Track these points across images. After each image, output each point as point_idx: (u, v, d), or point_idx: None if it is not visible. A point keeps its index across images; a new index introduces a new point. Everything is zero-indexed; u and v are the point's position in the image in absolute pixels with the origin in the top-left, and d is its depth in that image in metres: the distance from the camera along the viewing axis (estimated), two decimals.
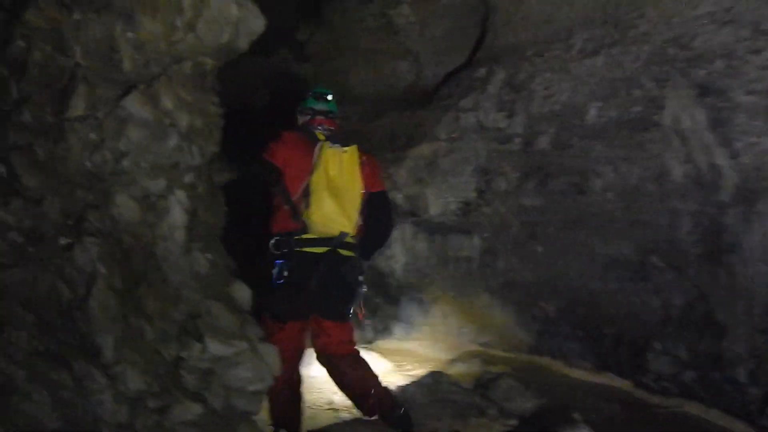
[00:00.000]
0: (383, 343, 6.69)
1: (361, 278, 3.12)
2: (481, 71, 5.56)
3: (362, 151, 3.19)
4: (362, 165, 3.11)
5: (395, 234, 6.62)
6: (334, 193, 2.94)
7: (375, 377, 3.19)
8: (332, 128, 3.23)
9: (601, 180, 4.82)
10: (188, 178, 2.76)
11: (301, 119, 3.37)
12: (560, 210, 5.23)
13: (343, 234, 2.97)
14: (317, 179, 2.94)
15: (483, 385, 4.49)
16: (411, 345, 6.53)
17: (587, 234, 5.07)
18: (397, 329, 6.64)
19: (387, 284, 6.83)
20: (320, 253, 2.96)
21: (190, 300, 2.55)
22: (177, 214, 2.63)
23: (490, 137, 5.38)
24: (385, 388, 3.23)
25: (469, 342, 6.09)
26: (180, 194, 2.67)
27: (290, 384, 3.09)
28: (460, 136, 5.49)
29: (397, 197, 6.66)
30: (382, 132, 6.41)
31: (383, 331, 6.79)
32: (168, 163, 2.66)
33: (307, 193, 2.95)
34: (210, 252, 2.78)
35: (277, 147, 3.04)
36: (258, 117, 6.32)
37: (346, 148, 3.04)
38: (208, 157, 2.89)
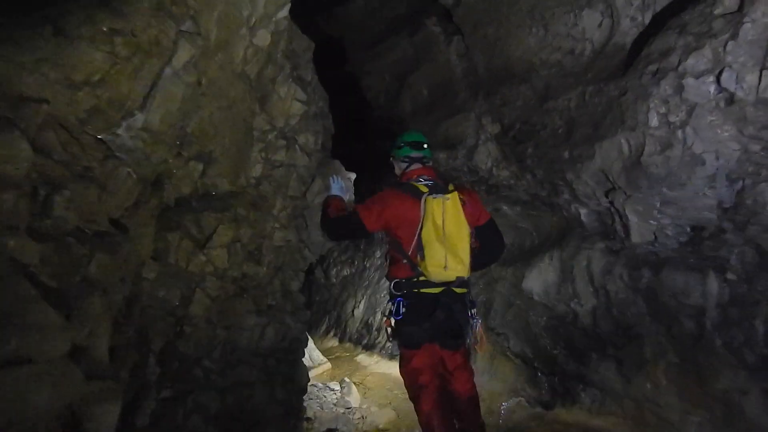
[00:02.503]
0: (564, 413, 4.80)
1: (473, 311, 3.20)
2: (728, 1, 3.16)
3: (460, 188, 3.16)
4: (464, 207, 3.07)
5: (577, 266, 4.57)
6: (445, 242, 3.00)
7: (478, 404, 3.25)
8: (431, 177, 3.23)
9: None
10: None
11: (399, 168, 3.40)
12: None
13: (459, 278, 3.04)
14: (427, 232, 3.02)
15: None
16: (604, 422, 4.55)
17: None
18: (585, 396, 4.68)
19: (568, 333, 4.82)
20: (437, 293, 3.06)
21: None
22: None
23: (746, 119, 3.03)
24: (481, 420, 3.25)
25: None
26: None
27: (434, 391, 3.10)
28: (685, 119, 3.24)
29: (580, 212, 4.55)
30: (555, 121, 4.37)
31: (564, 395, 4.85)
32: None
33: (420, 247, 3.04)
34: None
35: (379, 210, 3.10)
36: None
37: (448, 196, 3.06)
38: None
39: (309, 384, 6.32)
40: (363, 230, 3.12)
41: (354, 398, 5.93)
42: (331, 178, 3.30)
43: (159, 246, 2.83)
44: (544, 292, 4.97)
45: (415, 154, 3.34)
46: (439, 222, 3.00)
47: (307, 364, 7.08)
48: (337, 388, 6.15)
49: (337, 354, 8.17)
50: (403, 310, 3.09)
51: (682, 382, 4.04)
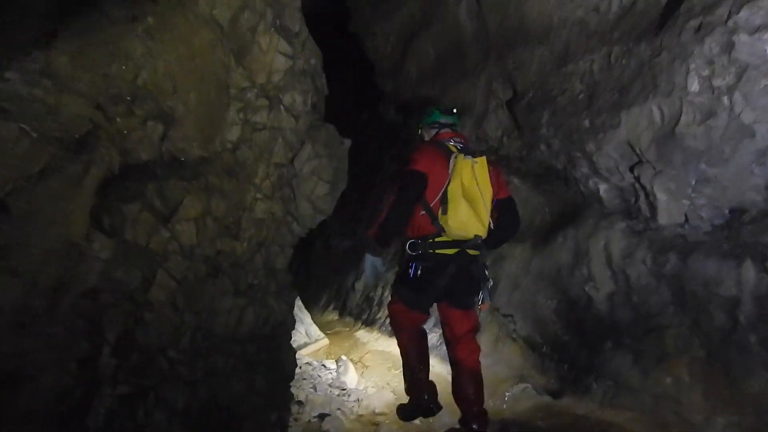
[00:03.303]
0: (573, 404, 4.44)
1: (486, 272, 3.28)
2: None
3: (489, 160, 3.18)
4: (491, 174, 3.13)
5: (593, 247, 4.12)
6: (469, 201, 3.07)
7: (480, 384, 3.23)
8: (462, 141, 3.28)
9: None
10: None
11: (428, 134, 3.43)
12: None
13: (477, 237, 3.11)
14: (454, 188, 3.05)
15: None
16: (617, 417, 4.17)
17: None
18: (597, 388, 4.28)
19: (581, 318, 4.40)
20: (451, 254, 3.12)
21: None
22: None
23: None
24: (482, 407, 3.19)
25: None
26: None
27: (413, 338, 3.36)
28: (733, 82, 2.72)
29: (599, 187, 4.07)
30: (575, 86, 3.85)
31: (574, 384, 4.46)
32: None
33: (444, 201, 3.07)
34: None
35: (421, 157, 3.12)
36: None
37: (477, 159, 3.11)
38: None
39: (304, 363, 6.00)
40: (421, 179, 3.04)
41: (351, 378, 5.58)
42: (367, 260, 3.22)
43: (114, 220, 2.42)
44: (556, 273, 4.53)
45: (444, 119, 3.39)
46: (467, 181, 3.06)
47: (303, 341, 6.75)
48: (334, 366, 5.80)
49: (337, 329, 7.82)
50: (419, 273, 3.13)
51: (708, 380, 3.62)
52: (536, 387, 4.84)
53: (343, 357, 6.04)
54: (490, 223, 3.11)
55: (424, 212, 3.10)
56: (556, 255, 4.54)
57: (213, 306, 2.96)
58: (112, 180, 2.37)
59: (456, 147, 3.16)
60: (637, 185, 3.53)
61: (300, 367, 5.65)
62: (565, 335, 4.57)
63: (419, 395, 3.35)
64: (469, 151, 3.16)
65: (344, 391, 5.34)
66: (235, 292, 3.08)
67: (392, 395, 5.35)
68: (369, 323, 7.57)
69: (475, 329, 3.34)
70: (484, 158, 3.11)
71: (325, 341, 6.99)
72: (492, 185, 3.10)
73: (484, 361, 5.43)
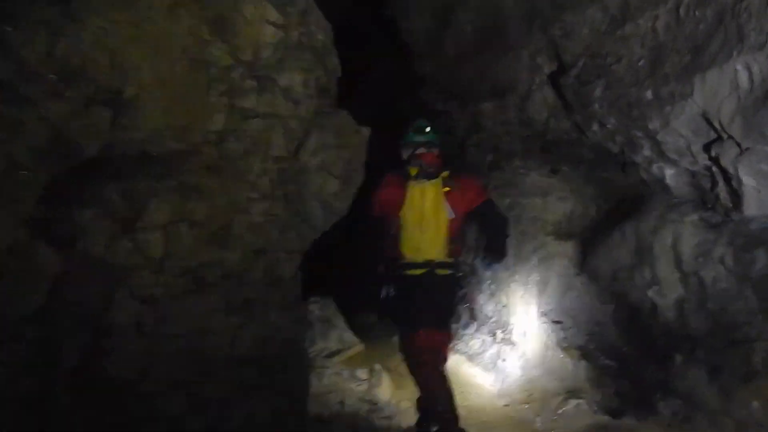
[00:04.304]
0: (636, 425, 3.83)
1: (461, 293, 3.73)
2: None
3: (455, 175, 3.39)
4: (449, 193, 3.27)
5: (658, 244, 3.45)
6: (419, 225, 3.24)
7: (450, 393, 3.24)
8: (427, 162, 3.36)
9: None
10: None
11: (404, 153, 3.52)
12: None
13: (428, 261, 3.24)
14: (404, 214, 3.27)
15: None
16: None
17: None
18: (665, 407, 3.65)
19: (644, 327, 3.73)
20: (419, 275, 3.26)
21: None
22: None
23: None
24: (454, 413, 3.19)
25: None
26: None
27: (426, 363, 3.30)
28: None
29: (665, 173, 3.40)
30: (635, 50, 3.19)
31: (637, 402, 3.82)
32: None
33: (400, 228, 3.29)
34: None
35: (377, 195, 3.42)
36: None
37: (433, 181, 3.27)
38: None
39: (334, 373, 5.57)
40: (377, 220, 3.44)
41: (384, 390, 5.06)
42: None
43: (64, 229, 2.02)
44: (613, 274, 3.87)
45: (418, 138, 3.50)
46: (418, 207, 3.24)
47: (336, 347, 6.32)
48: (366, 377, 5.33)
49: (374, 332, 7.36)
50: (392, 293, 3.40)
51: None
52: (592, 403, 4.20)
53: (377, 366, 5.54)
54: (449, 243, 3.28)
55: (390, 241, 3.37)
56: (614, 253, 3.89)
57: (199, 326, 2.53)
58: (61, 180, 1.98)
59: (417, 169, 3.31)
60: (714, 168, 2.84)
61: (328, 378, 5.23)
62: (625, 346, 3.91)
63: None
64: (427, 173, 3.29)
65: (375, 406, 4.84)
66: (227, 308, 2.60)
67: None
68: None
69: (445, 348, 3.43)
70: (438, 180, 3.28)
71: (361, 347, 6.52)
72: (451, 204, 3.24)
73: (531, 372, 4.84)
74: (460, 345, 6.20)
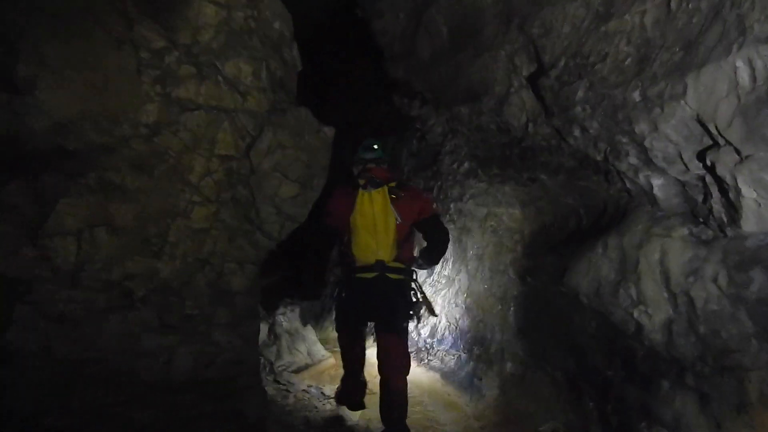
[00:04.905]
0: None
1: (414, 297, 3.65)
2: None
3: (402, 186, 3.64)
4: (396, 201, 3.49)
5: (644, 261, 3.17)
6: (369, 229, 3.45)
7: (404, 398, 3.55)
8: (375, 174, 3.58)
9: None
10: None
11: (355, 170, 3.76)
12: None
13: (379, 262, 3.44)
14: (353, 220, 3.47)
15: None
16: None
17: None
18: None
19: (628, 349, 3.43)
20: (370, 278, 3.45)
21: None
22: None
23: None
24: (402, 412, 3.52)
25: None
26: None
27: (352, 363, 4.07)
28: None
29: (652, 183, 3.11)
30: (621, 48, 2.89)
31: (618, 428, 3.51)
32: None
33: (350, 233, 3.50)
34: None
35: (330, 205, 3.62)
36: None
37: (378, 189, 3.48)
38: None
39: (301, 390, 5.18)
40: (330, 228, 3.68)
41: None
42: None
43: None
44: (595, 292, 3.57)
45: (367, 155, 3.73)
46: (366, 211, 3.44)
47: (305, 362, 5.92)
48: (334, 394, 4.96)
49: None
50: (343, 295, 3.67)
51: None
52: (571, 427, 3.90)
53: None
54: (397, 248, 3.49)
55: (343, 247, 3.59)
56: (595, 268, 3.59)
57: (128, 347, 2.17)
58: None
59: (365, 180, 3.52)
60: (708, 178, 2.55)
61: (295, 396, 4.84)
62: (608, 369, 3.60)
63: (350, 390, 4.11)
64: (375, 183, 3.49)
65: (343, 426, 4.48)
66: (161, 326, 2.27)
67: None
68: None
69: (403, 351, 3.60)
70: (385, 188, 3.49)
71: (331, 361, 6.12)
72: (399, 211, 3.45)
73: (507, 394, 4.50)
74: (434, 361, 5.89)
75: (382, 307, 3.44)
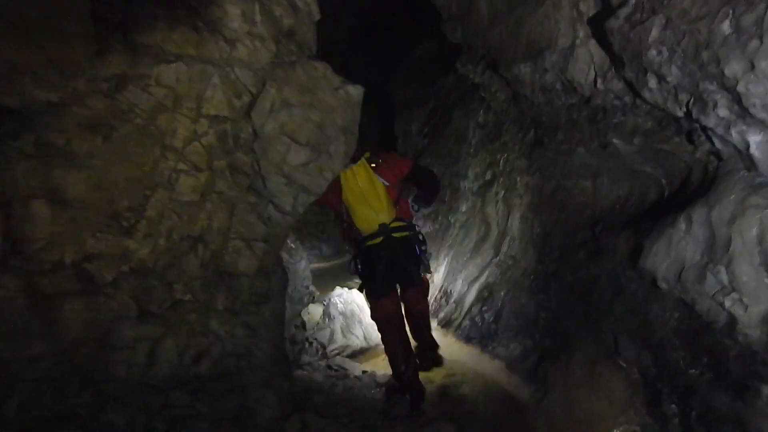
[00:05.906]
0: None
1: (422, 247, 4.02)
2: None
3: (376, 155, 3.94)
4: (377, 168, 3.82)
5: (738, 238, 2.55)
6: (361, 200, 3.74)
7: (427, 317, 4.69)
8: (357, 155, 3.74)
9: None
10: None
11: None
12: None
13: (382, 226, 3.76)
14: (346, 197, 3.79)
15: None
16: None
17: None
18: None
19: (717, 345, 2.81)
20: (379, 243, 3.77)
21: None
22: None
23: None
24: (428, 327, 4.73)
25: None
26: None
27: (396, 326, 3.95)
28: None
29: (748, 140, 2.46)
30: None
31: None
32: None
33: (347, 208, 3.80)
34: None
35: (325, 192, 3.37)
36: None
37: (358, 163, 3.76)
38: None
39: (353, 376, 4.94)
40: (328, 206, 4.05)
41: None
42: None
43: None
44: (677, 276, 2.96)
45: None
46: (353, 187, 3.72)
47: (360, 346, 5.66)
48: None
49: None
50: (359, 266, 3.91)
51: None
52: None
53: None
54: (393, 204, 3.86)
55: (345, 223, 3.92)
56: (677, 248, 2.97)
57: (93, 340, 1.94)
58: None
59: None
60: None
61: (344, 385, 4.58)
62: (692, 367, 2.99)
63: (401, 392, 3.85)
64: (352, 159, 3.55)
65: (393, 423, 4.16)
66: (140, 315, 2.04)
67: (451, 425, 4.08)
68: (445, 324, 6.29)
69: (425, 294, 4.60)
70: (363, 160, 3.78)
71: None
72: (383, 175, 3.77)
73: (577, 391, 4.00)
74: (498, 348, 5.42)
75: (395, 267, 3.80)
